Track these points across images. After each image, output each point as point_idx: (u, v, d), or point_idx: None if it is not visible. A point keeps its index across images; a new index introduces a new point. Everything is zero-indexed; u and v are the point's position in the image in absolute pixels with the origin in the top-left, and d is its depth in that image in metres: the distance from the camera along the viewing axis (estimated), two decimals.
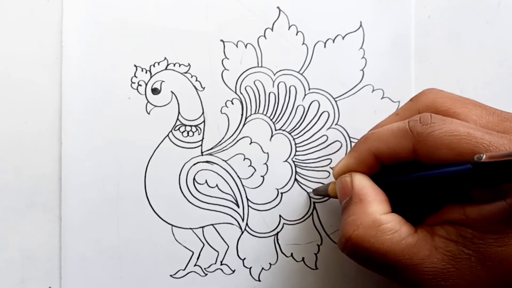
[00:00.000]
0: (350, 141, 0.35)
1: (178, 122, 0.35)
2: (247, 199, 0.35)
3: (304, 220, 0.35)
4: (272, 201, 0.35)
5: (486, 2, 0.36)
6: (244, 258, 0.35)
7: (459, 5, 0.36)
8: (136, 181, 0.35)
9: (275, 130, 0.35)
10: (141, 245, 0.35)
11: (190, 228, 0.35)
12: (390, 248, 0.26)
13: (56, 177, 0.34)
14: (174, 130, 0.35)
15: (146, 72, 0.35)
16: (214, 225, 0.35)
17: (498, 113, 0.28)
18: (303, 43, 0.35)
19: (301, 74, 0.35)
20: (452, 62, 0.36)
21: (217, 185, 0.35)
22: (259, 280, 0.35)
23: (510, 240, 0.24)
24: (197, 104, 0.35)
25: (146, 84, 0.35)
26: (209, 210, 0.35)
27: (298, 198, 0.35)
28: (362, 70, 0.36)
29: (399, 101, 0.35)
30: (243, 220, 0.35)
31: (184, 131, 0.35)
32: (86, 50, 0.34)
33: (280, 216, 0.35)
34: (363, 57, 0.36)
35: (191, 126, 0.35)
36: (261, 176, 0.35)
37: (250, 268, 0.35)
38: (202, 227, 0.35)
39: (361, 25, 0.36)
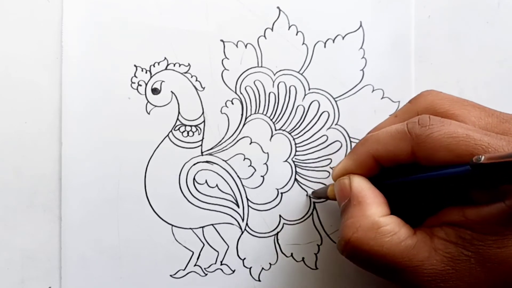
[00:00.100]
0: (350, 141, 0.35)
1: (178, 122, 0.35)
2: (247, 199, 0.35)
3: (304, 220, 0.35)
4: (272, 201, 0.35)
5: (486, 2, 0.36)
6: (244, 258, 0.35)
7: (459, 5, 0.36)
8: (136, 181, 0.35)
9: (275, 130, 0.35)
10: (141, 245, 0.35)
11: (190, 228, 0.35)
12: (389, 250, 0.26)
13: (56, 177, 0.34)
14: (174, 130, 0.35)
15: (146, 72, 0.35)
16: (214, 225, 0.35)
17: (497, 114, 0.28)
18: (303, 43, 0.35)
19: (301, 74, 0.35)
20: (452, 62, 0.36)
21: (217, 185, 0.35)
22: (259, 280, 0.35)
23: (509, 241, 0.24)
24: (197, 104, 0.35)
25: (146, 84, 0.35)
26: (209, 210, 0.35)
27: (298, 198, 0.35)
28: (362, 70, 0.36)
29: (399, 101, 0.35)
30: (243, 220, 0.35)
31: (184, 131, 0.35)
32: (86, 50, 0.34)
33: (280, 216, 0.35)
34: (363, 57, 0.36)
35: (191, 126, 0.35)
36: (261, 176, 0.35)
37: (250, 268, 0.35)
38: (202, 227, 0.35)
39: (361, 25, 0.36)
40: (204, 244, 0.35)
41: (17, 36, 0.34)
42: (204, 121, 0.35)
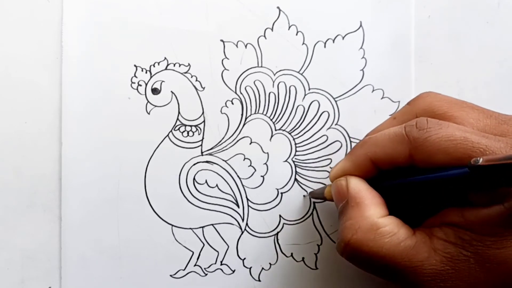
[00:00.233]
0: (350, 141, 0.35)
1: (178, 122, 0.35)
2: (247, 199, 0.35)
3: (304, 220, 0.35)
4: (272, 201, 0.35)
5: (486, 2, 0.36)
6: (244, 258, 0.35)
7: (459, 5, 0.36)
8: (136, 181, 0.35)
9: (275, 130, 0.35)
10: (141, 245, 0.35)
11: (190, 228, 0.35)
12: (389, 251, 0.26)
13: (56, 177, 0.34)
14: (174, 130, 0.35)
15: (146, 72, 0.35)
16: (214, 225, 0.35)
17: (496, 115, 0.28)
18: (303, 43, 0.35)
19: (301, 74, 0.35)
20: (452, 62, 0.36)
21: (217, 185, 0.35)
22: (259, 280, 0.35)
23: (508, 242, 0.24)
24: (197, 104, 0.35)
25: (146, 84, 0.35)
26: (209, 210, 0.35)
27: (298, 198, 0.35)
28: (362, 70, 0.36)
29: (399, 101, 0.35)
30: (243, 220, 0.35)
31: (184, 131, 0.35)
32: (86, 50, 0.34)
33: (280, 216, 0.35)
34: (363, 57, 0.36)
35: (191, 126, 0.35)
36: (261, 176, 0.35)
37: (250, 268, 0.35)
38: (202, 227, 0.35)
39: (361, 25, 0.36)
40: (204, 244, 0.35)
41: (17, 36, 0.34)
42: (204, 121, 0.35)
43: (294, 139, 0.36)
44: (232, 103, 0.35)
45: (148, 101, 0.35)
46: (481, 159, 0.23)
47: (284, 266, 0.35)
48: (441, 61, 0.36)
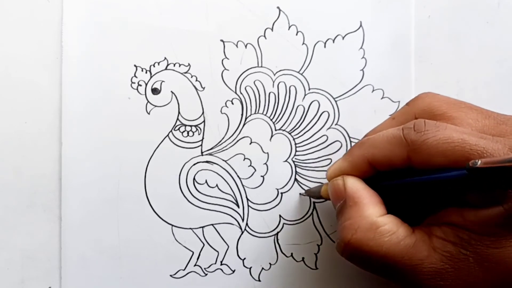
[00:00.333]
0: (350, 141, 0.35)
1: (178, 122, 0.35)
2: (247, 199, 0.35)
3: (304, 220, 0.35)
4: (272, 201, 0.35)
5: (486, 2, 0.36)
6: (244, 258, 0.35)
7: (459, 5, 0.36)
8: (136, 181, 0.35)
9: (275, 130, 0.35)
10: (141, 245, 0.35)
11: (190, 228, 0.35)
12: (388, 250, 0.26)
13: (56, 177, 0.34)
14: (174, 130, 0.35)
15: (146, 72, 0.35)
16: (214, 225, 0.35)
17: (494, 116, 0.28)
18: (303, 43, 0.35)
19: (301, 74, 0.35)
20: (452, 62, 0.36)
21: (217, 185, 0.35)
22: (259, 280, 0.35)
23: (506, 242, 0.24)
24: (197, 104, 0.35)
25: (146, 84, 0.35)
26: (209, 210, 0.35)
27: (298, 198, 0.35)
28: (362, 70, 0.36)
29: (399, 101, 0.35)
30: (243, 220, 0.35)
31: (184, 131, 0.35)
32: (86, 50, 0.34)
33: (280, 216, 0.35)
34: (363, 57, 0.36)
35: (191, 126, 0.35)
36: (261, 176, 0.35)
37: (250, 268, 0.35)
38: (202, 227, 0.35)
39: (361, 25, 0.36)
40: (204, 244, 0.35)
41: (17, 36, 0.34)
42: (204, 121, 0.35)
43: (294, 139, 0.36)
44: (232, 103, 0.35)
45: (148, 101, 0.35)
46: (479, 162, 0.23)
47: (284, 266, 0.35)
48: (441, 61, 0.36)
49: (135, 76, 0.35)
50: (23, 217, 0.34)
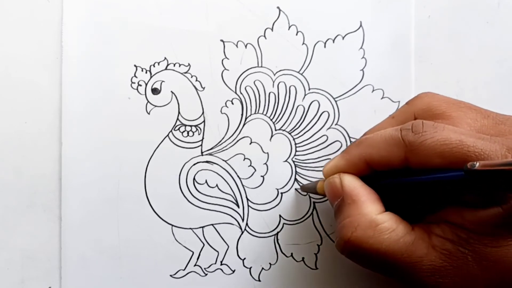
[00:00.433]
0: (350, 141, 0.35)
1: (178, 122, 0.35)
2: (247, 199, 0.35)
3: (304, 220, 0.35)
4: (272, 201, 0.35)
5: (486, 2, 0.36)
6: (244, 258, 0.35)
7: (459, 5, 0.36)
8: (136, 181, 0.35)
9: (275, 130, 0.35)
10: (141, 245, 0.35)
11: (190, 228, 0.35)
12: (388, 247, 0.26)
13: (56, 177, 0.34)
14: (174, 130, 0.35)
15: (146, 72, 0.35)
16: (214, 225, 0.35)
17: (493, 116, 0.28)
18: (303, 43, 0.35)
19: (301, 74, 0.35)
20: (452, 62, 0.36)
21: (217, 185, 0.35)
22: (259, 280, 0.35)
23: (504, 241, 0.25)
24: (197, 104, 0.35)
25: (146, 84, 0.35)
26: (209, 210, 0.35)
27: (298, 198, 0.35)
28: (362, 70, 0.36)
29: (399, 101, 0.35)
30: (243, 220, 0.35)
31: (184, 131, 0.35)
32: (86, 50, 0.34)
33: (280, 216, 0.35)
34: (363, 57, 0.36)
35: (191, 126, 0.35)
36: (261, 176, 0.35)
37: (250, 268, 0.35)
38: (202, 227, 0.35)
39: (361, 25, 0.36)
40: (204, 244, 0.35)
41: (17, 36, 0.34)
42: (204, 121, 0.35)
43: (294, 139, 0.36)
44: (232, 103, 0.35)
45: (148, 101, 0.35)
46: (477, 164, 0.23)
47: (284, 266, 0.35)
48: (441, 61, 0.36)
49: (135, 76, 0.35)
50: (23, 217, 0.34)
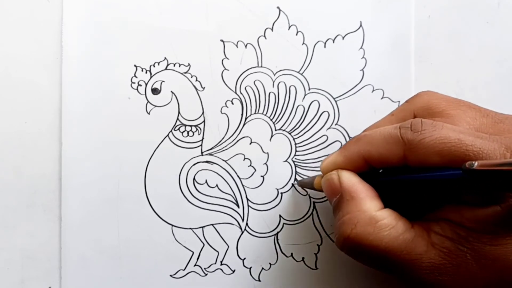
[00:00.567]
0: None
1: (178, 122, 0.35)
2: (247, 199, 0.35)
3: (304, 220, 0.35)
4: (272, 201, 0.35)
5: (486, 2, 0.36)
6: (244, 258, 0.35)
7: (459, 5, 0.36)
8: (136, 181, 0.35)
9: (275, 130, 0.35)
10: (141, 245, 0.35)
11: (190, 228, 0.35)
12: (388, 244, 0.26)
13: (56, 177, 0.34)
14: (174, 130, 0.35)
15: (146, 72, 0.35)
16: (214, 225, 0.35)
17: (492, 114, 0.28)
18: (303, 43, 0.35)
19: (301, 74, 0.35)
20: (452, 62, 0.36)
21: (217, 185, 0.35)
22: (259, 280, 0.35)
23: (503, 240, 0.25)
24: (197, 104, 0.35)
25: (146, 84, 0.35)
26: (209, 210, 0.35)
27: (298, 198, 0.35)
28: (362, 70, 0.36)
29: (399, 101, 0.35)
30: (243, 220, 0.35)
31: (184, 131, 0.35)
32: (86, 50, 0.34)
33: (280, 216, 0.35)
34: (363, 57, 0.36)
35: (191, 126, 0.35)
36: (261, 176, 0.35)
37: (250, 268, 0.35)
38: (202, 227, 0.35)
39: (361, 25, 0.36)
40: (204, 244, 0.35)
41: (17, 36, 0.34)
42: (204, 121, 0.35)
43: (294, 139, 0.36)
44: (232, 103, 0.35)
45: (148, 101, 0.35)
46: (476, 163, 0.23)
47: (284, 266, 0.35)
48: (441, 61, 0.36)
49: (135, 76, 0.35)
50: (23, 217, 0.34)
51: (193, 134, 0.35)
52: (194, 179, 0.35)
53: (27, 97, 0.34)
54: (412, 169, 0.27)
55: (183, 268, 0.35)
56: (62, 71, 0.34)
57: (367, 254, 0.27)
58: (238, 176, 0.35)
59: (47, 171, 0.34)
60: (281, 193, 0.35)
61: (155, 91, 0.35)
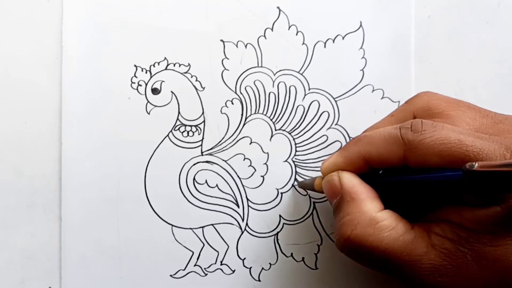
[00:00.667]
0: None
1: (178, 122, 0.35)
2: (247, 199, 0.35)
3: (304, 220, 0.35)
4: (272, 201, 0.35)
5: (486, 2, 0.36)
6: (244, 258, 0.35)
7: (459, 5, 0.36)
8: (136, 181, 0.35)
9: (275, 130, 0.35)
10: (141, 245, 0.35)
11: (190, 228, 0.35)
12: (388, 245, 0.26)
13: (56, 177, 0.34)
14: (174, 130, 0.35)
15: (146, 72, 0.35)
16: (214, 225, 0.35)
17: (492, 115, 0.28)
18: (303, 43, 0.35)
19: (301, 74, 0.35)
20: (452, 62, 0.36)
21: (217, 185, 0.35)
22: (259, 280, 0.35)
23: (503, 240, 0.25)
24: (197, 104, 0.35)
25: (146, 84, 0.35)
26: (209, 210, 0.35)
27: (298, 198, 0.35)
28: (362, 70, 0.36)
29: (399, 101, 0.35)
30: (243, 220, 0.35)
31: (184, 131, 0.35)
32: (86, 50, 0.34)
33: (280, 216, 0.35)
34: (363, 57, 0.36)
35: (191, 126, 0.35)
36: (261, 176, 0.35)
37: (250, 268, 0.35)
38: (202, 227, 0.35)
39: (361, 25, 0.36)
40: (204, 244, 0.35)
41: (17, 36, 0.34)
42: (204, 121, 0.35)
43: (294, 139, 0.36)
44: (232, 103, 0.35)
45: (148, 101, 0.35)
46: (476, 164, 0.23)
47: (284, 266, 0.35)
48: (441, 61, 0.36)
49: (135, 76, 0.35)
50: (23, 217, 0.34)
51: (193, 134, 0.35)
52: (194, 179, 0.35)
53: (27, 97, 0.34)
54: (412, 170, 0.27)
55: (183, 268, 0.35)
56: (62, 71, 0.34)
57: (367, 256, 0.27)
58: (238, 176, 0.35)
59: (47, 171, 0.34)
60: (281, 193, 0.35)
61: (155, 91, 0.35)
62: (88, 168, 0.34)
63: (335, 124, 0.36)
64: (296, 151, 0.35)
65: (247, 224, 0.35)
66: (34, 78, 0.34)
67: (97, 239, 0.34)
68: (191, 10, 0.35)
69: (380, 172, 0.29)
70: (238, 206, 0.35)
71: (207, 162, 0.35)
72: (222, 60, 0.35)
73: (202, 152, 0.35)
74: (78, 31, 0.34)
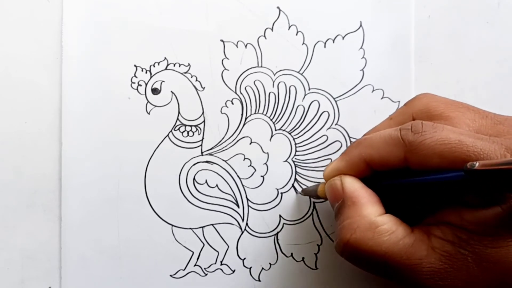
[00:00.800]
0: (350, 141, 0.35)
1: (178, 122, 0.35)
2: (247, 199, 0.35)
3: (304, 220, 0.35)
4: (272, 201, 0.35)
5: (486, 2, 0.36)
6: (244, 258, 0.35)
7: (459, 5, 0.36)
8: (136, 181, 0.35)
9: (275, 130, 0.35)
10: (141, 245, 0.35)
11: (190, 228, 0.35)
12: (388, 249, 0.26)
13: (56, 177, 0.34)
14: (174, 130, 0.35)
15: (146, 72, 0.35)
16: (214, 225, 0.35)
17: (491, 116, 0.28)
18: (303, 43, 0.35)
19: (301, 74, 0.35)
20: (452, 62, 0.36)
21: (217, 185, 0.35)
22: (259, 280, 0.35)
23: (504, 242, 0.25)
24: (197, 104, 0.35)
25: (146, 84, 0.35)
26: (209, 210, 0.35)
27: (298, 198, 0.35)
28: (362, 70, 0.36)
29: (399, 101, 0.35)
30: (243, 220, 0.35)
31: (184, 131, 0.35)
32: (86, 50, 0.34)
33: (280, 216, 0.35)
34: (363, 57, 0.36)
35: (191, 126, 0.35)
36: (261, 176, 0.35)
37: (250, 268, 0.35)
38: (202, 227, 0.35)
39: (361, 25, 0.36)
40: (204, 244, 0.35)
41: (17, 36, 0.34)
42: (204, 121, 0.35)
43: (294, 139, 0.36)
44: (232, 103, 0.35)
45: (148, 101, 0.35)
46: (477, 164, 0.23)
47: (284, 266, 0.35)
48: (441, 61, 0.36)
49: (135, 76, 0.35)
50: (23, 217, 0.34)
51: (193, 134, 0.35)
52: (194, 179, 0.35)
53: (27, 97, 0.34)
54: (413, 172, 0.27)
55: (183, 268, 0.35)
56: (62, 71, 0.34)
57: (367, 260, 0.27)
58: (238, 176, 0.35)
59: (47, 171, 0.34)
60: (281, 193, 0.35)
61: (155, 91, 0.35)
62: (88, 168, 0.34)
63: (335, 124, 0.36)
64: (296, 151, 0.35)
65: (247, 224, 0.35)
66: (34, 78, 0.34)
67: (97, 239, 0.34)
68: (191, 10, 0.35)
69: (382, 175, 0.29)
70: (238, 206, 0.35)
71: (207, 162, 0.35)
72: (222, 60, 0.35)
73: (202, 152, 0.35)
74: (78, 31, 0.34)
